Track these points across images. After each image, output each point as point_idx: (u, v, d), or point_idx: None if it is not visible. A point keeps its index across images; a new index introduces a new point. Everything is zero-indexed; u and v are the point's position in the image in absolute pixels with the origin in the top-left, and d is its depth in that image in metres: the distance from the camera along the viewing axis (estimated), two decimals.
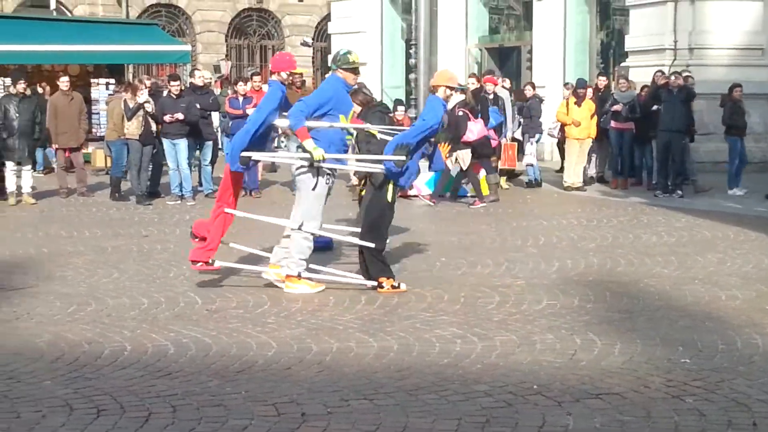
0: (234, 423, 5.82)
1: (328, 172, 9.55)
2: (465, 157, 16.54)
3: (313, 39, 39.34)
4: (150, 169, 17.97)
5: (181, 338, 7.79)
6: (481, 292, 9.51)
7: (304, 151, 9.49)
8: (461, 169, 16.76)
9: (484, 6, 29.20)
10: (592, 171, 20.08)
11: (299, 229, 9.53)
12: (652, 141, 18.64)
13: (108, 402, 6.20)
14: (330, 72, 10.06)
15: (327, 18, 35.27)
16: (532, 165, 19.66)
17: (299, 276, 9.51)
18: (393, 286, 9.50)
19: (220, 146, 20.16)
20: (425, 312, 8.71)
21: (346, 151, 9.98)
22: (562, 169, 19.71)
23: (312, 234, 9.58)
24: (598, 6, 25.92)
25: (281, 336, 7.85)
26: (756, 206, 16.17)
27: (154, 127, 16.96)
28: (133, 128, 16.79)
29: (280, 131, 14.74)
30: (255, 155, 9.77)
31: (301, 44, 38.56)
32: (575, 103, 18.60)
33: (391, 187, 9.65)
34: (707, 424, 5.80)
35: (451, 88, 10.06)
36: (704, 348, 7.46)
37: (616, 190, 18.77)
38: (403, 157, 9.38)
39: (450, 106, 15.94)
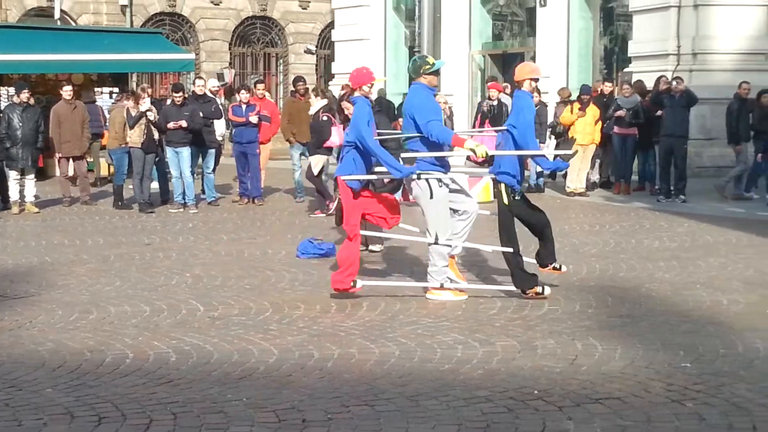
0: (235, 430, 5.83)
1: (437, 178, 9.41)
2: (318, 162, 16.01)
3: (316, 46, 39.35)
4: (156, 177, 18.07)
5: (182, 346, 7.80)
6: (482, 297, 9.52)
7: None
8: (314, 174, 16.25)
9: (487, 12, 29.23)
10: (596, 176, 20.08)
11: (435, 243, 9.43)
12: (654, 146, 18.65)
13: (109, 409, 6.20)
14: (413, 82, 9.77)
15: (331, 25, 35.26)
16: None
17: (442, 286, 9.45)
18: (537, 293, 9.52)
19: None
20: (427, 318, 8.72)
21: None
22: (565, 175, 19.70)
23: (448, 242, 9.49)
24: (601, 12, 25.95)
25: (283, 343, 7.86)
26: (758, 211, 16.16)
27: (156, 135, 16.98)
28: (135, 136, 16.82)
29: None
30: (361, 177, 9.55)
31: (305, 52, 38.61)
32: (580, 109, 18.61)
33: (503, 189, 9.70)
34: (707, 428, 5.80)
35: (535, 80, 9.93)
36: (705, 352, 7.46)
37: (619, 195, 18.78)
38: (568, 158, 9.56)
39: (313, 111, 15.91)
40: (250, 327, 8.44)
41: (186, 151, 17.05)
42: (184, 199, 17.15)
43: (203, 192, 18.08)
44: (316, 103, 16.24)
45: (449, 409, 6.18)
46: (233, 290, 10.09)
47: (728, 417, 5.98)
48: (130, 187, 17.73)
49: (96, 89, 23.58)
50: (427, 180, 9.35)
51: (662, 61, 21.99)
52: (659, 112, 18.05)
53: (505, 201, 9.73)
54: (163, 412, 6.14)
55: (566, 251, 12.40)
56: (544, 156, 10.45)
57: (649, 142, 18.84)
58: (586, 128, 18.64)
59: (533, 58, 26.42)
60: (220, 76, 33.28)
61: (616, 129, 19.12)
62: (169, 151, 17.09)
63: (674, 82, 18.09)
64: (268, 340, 7.96)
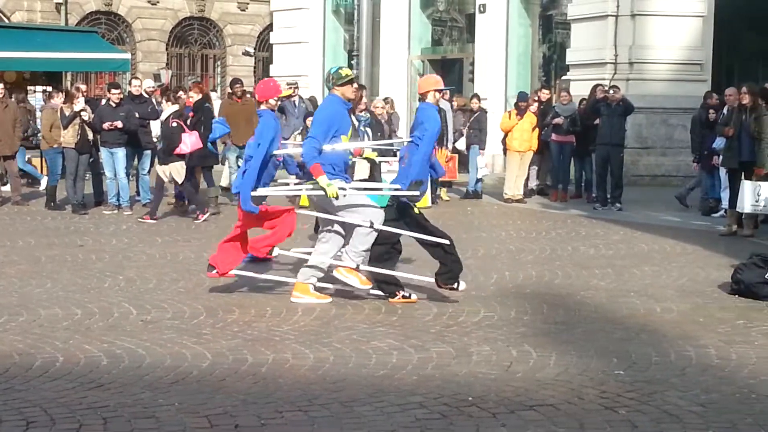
0: None
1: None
2: (180, 170, 15.79)
3: (255, 49, 39.19)
4: (88, 178, 17.84)
5: (114, 349, 7.69)
6: (418, 303, 9.49)
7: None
8: (175, 182, 16.21)
9: (426, 18, 29.29)
10: (533, 183, 20.21)
11: (371, 226, 9.29)
12: (591, 154, 18.80)
13: (38, 414, 6.09)
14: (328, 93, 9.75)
15: (269, 28, 35.11)
16: (487, 175, 19.87)
17: (358, 268, 9.35)
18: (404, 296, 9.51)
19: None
20: (362, 323, 8.68)
21: (347, 170, 9.84)
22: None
23: (378, 230, 9.39)
24: (540, 19, 26.13)
25: (217, 347, 7.78)
26: (693, 220, 16.35)
27: (91, 135, 16.76)
28: (69, 137, 16.59)
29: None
30: (265, 191, 9.55)
31: (243, 54, 38.41)
32: (517, 115, 18.73)
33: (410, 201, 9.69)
34: None
35: (439, 91, 10.01)
36: (638, 360, 7.51)
37: (556, 202, 18.91)
38: (417, 193, 9.61)
39: (163, 117, 15.82)
40: (183, 331, 8.34)
41: (121, 152, 16.87)
42: (118, 200, 16.95)
43: (138, 194, 17.88)
44: (167, 109, 15.91)
45: (383, 415, 6.15)
46: (167, 293, 9.98)
47: (660, 424, 6.02)
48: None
49: (29, 88, 23.27)
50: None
51: (599, 70, 22.19)
52: (596, 121, 18.19)
53: (415, 210, 9.70)
54: (93, 417, 6.04)
55: (503, 257, 12.46)
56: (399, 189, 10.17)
57: (586, 150, 18.99)
58: (524, 135, 18.74)
59: (472, 64, 26.57)
60: (156, 77, 32.98)
61: (553, 136, 19.26)
62: (104, 152, 16.90)
63: (611, 91, 18.25)
64: (202, 344, 7.87)
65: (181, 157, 15.75)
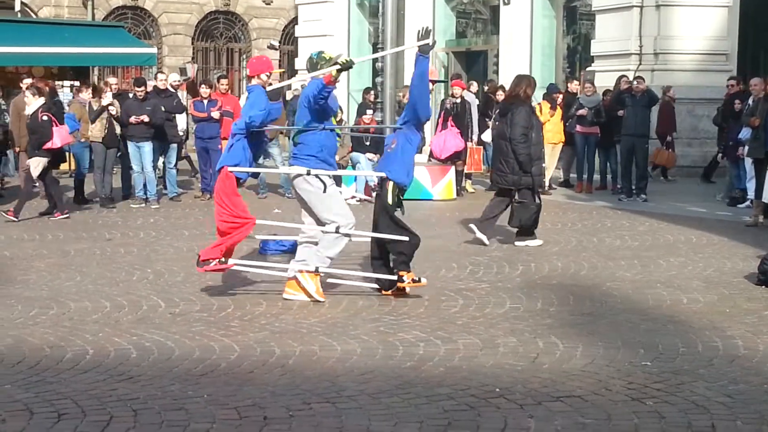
0: (195, 427, 5.80)
1: (326, 178, 9.32)
2: (38, 164, 15.30)
3: (280, 42, 39.28)
4: (116, 172, 17.98)
5: (143, 342, 7.75)
6: (444, 295, 9.52)
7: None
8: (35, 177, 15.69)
9: (451, 10, 29.28)
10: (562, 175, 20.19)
11: (336, 231, 9.24)
12: (616, 145, 18.77)
13: (69, 406, 6.15)
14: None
15: (294, 21, 35.20)
16: None
17: (317, 271, 9.27)
18: (414, 280, 9.42)
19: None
20: (389, 315, 8.71)
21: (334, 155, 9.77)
22: None
23: (348, 236, 9.36)
24: (564, 11, 26.07)
25: (244, 339, 7.84)
26: (718, 210, 16.30)
27: (118, 129, 16.86)
28: (96, 131, 16.70)
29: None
30: (242, 170, 9.46)
31: (268, 47, 38.49)
32: (550, 108, 18.66)
33: (390, 188, 9.57)
34: (667, 426, 5.84)
35: (433, 82, 10.08)
36: (665, 351, 7.51)
37: (581, 194, 18.88)
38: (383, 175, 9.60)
39: (31, 110, 15.51)
40: (211, 323, 8.40)
41: (148, 146, 16.96)
42: (145, 194, 17.05)
43: (165, 187, 17.99)
44: (34, 103, 15.52)
45: (411, 406, 6.18)
46: (195, 286, 10.04)
47: (687, 415, 6.03)
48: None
49: (57, 83, 23.38)
50: (318, 176, 9.26)
51: (624, 61, 22.14)
52: (620, 112, 18.16)
53: (390, 200, 9.57)
54: (123, 409, 6.09)
55: (528, 249, 12.45)
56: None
57: (610, 141, 18.96)
58: (556, 126, 18.70)
59: (497, 56, 26.55)
60: (182, 71, 33.12)
61: (578, 128, 19.23)
62: (130, 146, 16.98)
63: (635, 82, 18.21)
64: (230, 336, 7.93)
65: (50, 151, 15.39)
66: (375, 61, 23.20)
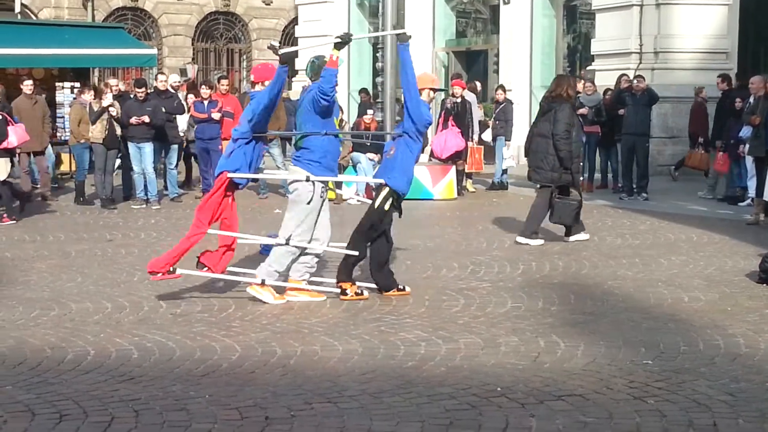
0: (197, 427, 5.80)
1: (323, 185, 9.34)
2: (2, 167, 15.25)
3: (280, 43, 39.28)
4: (119, 173, 18.00)
5: (144, 342, 7.76)
6: (446, 294, 9.52)
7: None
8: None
9: (450, 10, 29.28)
10: None
11: (287, 243, 9.26)
12: (616, 144, 18.76)
13: (70, 407, 6.16)
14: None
15: (294, 21, 35.20)
16: (512, 166, 19.85)
17: (263, 283, 9.29)
18: (356, 293, 9.42)
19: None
20: (390, 315, 8.72)
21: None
22: None
23: (298, 248, 9.31)
24: (564, 10, 26.05)
25: (246, 340, 7.84)
26: (719, 209, 16.30)
27: (118, 130, 16.87)
28: (97, 132, 16.70)
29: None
30: (242, 176, 9.45)
31: (268, 48, 38.40)
32: None
33: (385, 194, 9.58)
34: (668, 424, 5.84)
35: (434, 90, 10.12)
36: (666, 349, 7.51)
37: (582, 192, 18.83)
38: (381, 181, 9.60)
39: None
40: (212, 324, 8.40)
41: (148, 147, 16.96)
42: (146, 195, 17.06)
43: (165, 188, 17.99)
44: None
45: (412, 406, 6.18)
46: (196, 287, 10.03)
47: (689, 413, 6.03)
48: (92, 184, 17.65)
49: (57, 84, 23.38)
50: (314, 184, 9.25)
51: (624, 60, 22.12)
52: (621, 111, 18.16)
53: (385, 206, 9.58)
54: (124, 410, 6.10)
55: (529, 249, 12.45)
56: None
57: (611, 140, 18.96)
58: None
59: (497, 56, 26.55)
60: (183, 72, 33.15)
61: None
62: (131, 147, 16.98)
63: (635, 81, 18.21)
64: (231, 337, 7.93)
65: (8, 152, 15.34)
66: (375, 61, 23.22)
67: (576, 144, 12.78)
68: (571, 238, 12.86)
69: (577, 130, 12.81)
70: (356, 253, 9.57)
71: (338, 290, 9.46)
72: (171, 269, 9.14)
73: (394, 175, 9.57)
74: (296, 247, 9.29)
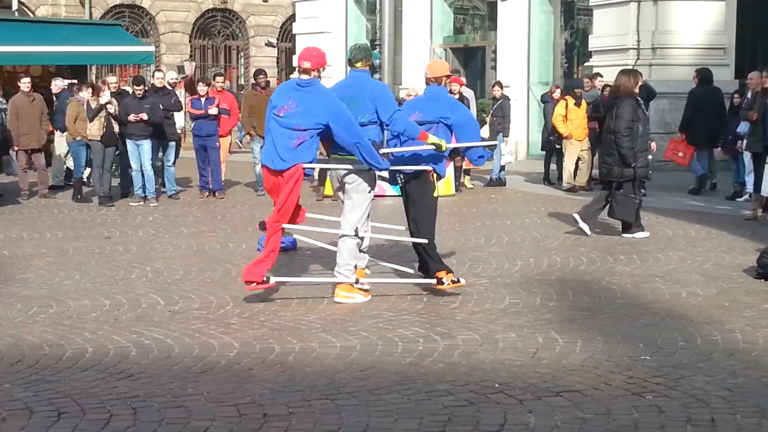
0: (195, 424, 5.80)
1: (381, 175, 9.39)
2: None
3: (277, 39, 39.24)
4: (117, 171, 17.99)
5: (143, 340, 7.75)
6: (443, 291, 9.51)
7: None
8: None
9: (448, 6, 29.27)
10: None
11: (356, 235, 9.22)
12: None
13: (68, 404, 6.16)
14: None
15: (292, 18, 35.17)
16: (510, 163, 19.83)
17: (357, 281, 9.21)
18: (453, 281, 9.42)
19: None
20: (388, 311, 8.72)
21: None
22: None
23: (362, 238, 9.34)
24: (562, 6, 26.04)
25: (244, 337, 7.84)
26: (717, 204, 16.30)
27: (116, 128, 16.85)
28: (94, 129, 16.69)
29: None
30: (314, 165, 9.36)
31: (266, 45, 38.46)
32: (575, 104, 18.52)
33: (435, 181, 9.68)
34: (666, 420, 5.84)
35: (448, 77, 10.20)
36: (664, 345, 7.52)
37: (581, 189, 18.84)
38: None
39: None
40: (210, 321, 8.40)
41: (147, 144, 16.95)
42: (144, 192, 17.05)
43: (163, 185, 17.99)
44: None
45: (410, 402, 6.19)
46: (194, 284, 10.05)
47: (687, 409, 6.03)
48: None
49: (54, 81, 23.33)
50: (374, 176, 9.29)
51: (622, 55, 22.11)
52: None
53: (436, 192, 9.74)
54: (123, 407, 6.10)
55: (527, 244, 12.46)
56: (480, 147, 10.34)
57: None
58: (582, 123, 18.55)
59: (494, 52, 26.54)
60: (180, 69, 33.12)
61: None
62: (129, 144, 16.96)
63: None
64: (229, 333, 7.93)
65: None
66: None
67: (642, 138, 12.75)
68: (629, 235, 12.85)
69: (643, 124, 12.79)
70: (425, 240, 9.63)
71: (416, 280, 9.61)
72: (265, 278, 9.03)
73: (440, 162, 9.69)
74: (362, 237, 9.32)
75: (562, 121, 18.39)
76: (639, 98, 13.01)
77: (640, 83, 12.97)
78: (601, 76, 21.06)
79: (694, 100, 17.93)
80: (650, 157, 13.29)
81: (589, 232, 12.90)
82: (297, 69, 9.63)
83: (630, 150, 12.63)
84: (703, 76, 18.21)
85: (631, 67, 14.60)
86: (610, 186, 13.04)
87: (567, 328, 8.08)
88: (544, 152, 20.22)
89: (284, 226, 9.17)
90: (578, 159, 18.76)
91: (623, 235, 12.92)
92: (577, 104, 18.50)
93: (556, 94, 19.43)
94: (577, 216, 13.11)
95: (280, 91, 9.32)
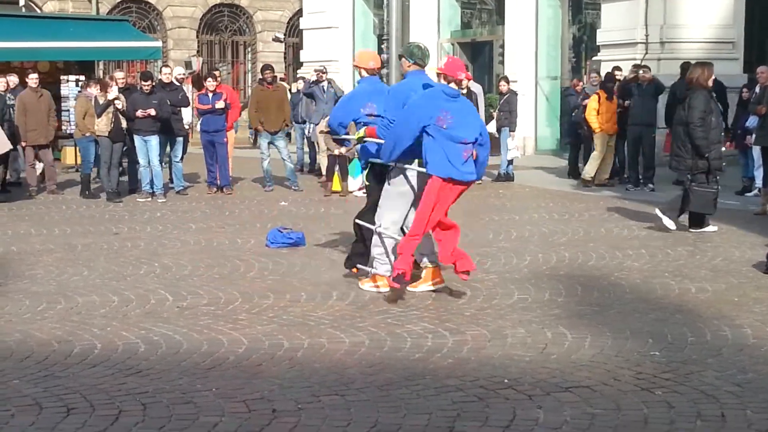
0: (204, 420, 5.80)
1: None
2: None
3: (285, 34, 39.21)
4: (125, 166, 18.01)
5: (151, 336, 7.76)
6: (452, 286, 9.49)
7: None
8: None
9: (455, 1, 29.22)
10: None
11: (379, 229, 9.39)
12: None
13: (78, 400, 6.16)
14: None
15: (299, 13, 35.15)
16: (517, 157, 19.81)
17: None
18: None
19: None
20: (396, 307, 8.70)
21: None
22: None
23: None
24: (569, 0, 25.98)
25: (252, 332, 7.83)
26: (725, 200, 16.24)
27: (124, 123, 16.86)
28: (102, 125, 16.70)
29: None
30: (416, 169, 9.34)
31: (273, 40, 38.43)
32: (606, 98, 18.41)
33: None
34: (676, 415, 5.83)
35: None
36: (674, 340, 7.50)
37: (597, 184, 18.81)
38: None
39: None
40: (219, 317, 8.40)
41: (154, 140, 16.95)
42: (152, 188, 17.05)
43: (171, 181, 17.99)
44: None
45: (419, 398, 6.18)
46: (202, 280, 10.04)
47: (697, 405, 6.02)
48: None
49: (62, 77, 23.38)
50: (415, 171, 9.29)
51: (630, 50, 22.05)
52: (626, 102, 18.10)
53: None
54: (132, 403, 6.10)
55: (536, 240, 12.45)
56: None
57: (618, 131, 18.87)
58: (613, 116, 18.45)
59: (502, 46, 26.50)
60: (187, 64, 33.11)
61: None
62: (137, 140, 16.97)
63: (641, 71, 18.14)
64: (238, 329, 7.93)
65: None
66: (380, 52, 23.19)
67: (715, 130, 12.67)
68: (696, 230, 12.79)
69: (716, 115, 12.72)
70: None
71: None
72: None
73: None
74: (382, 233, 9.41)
75: (596, 115, 18.28)
76: (712, 91, 12.94)
77: (713, 76, 12.92)
78: (596, 69, 21.05)
79: (673, 93, 17.88)
80: (723, 149, 13.26)
81: (673, 227, 12.83)
82: (441, 76, 9.43)
83: (704, 141, 12.49)
84: (684, 70, 18.23)
85: (705, 60, 14.40)
86: (683, 180, 12.98)
87: (576, 323, 8.06)
88: (554, 147, 20.20)
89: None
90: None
91: (691, 230, 12.80)
92: (609, 99, 18.40)
93: (579, 87, 19.39)
94: (658, 211, 13.08)
95: (431, 101, 9.00)
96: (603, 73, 19.88)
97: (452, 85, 9.27)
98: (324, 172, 18.40)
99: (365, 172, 9.57)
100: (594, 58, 23.53)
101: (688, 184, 12.84)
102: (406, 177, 9.32)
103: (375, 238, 9.44)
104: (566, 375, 6.62)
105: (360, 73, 9.81)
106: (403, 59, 9.55)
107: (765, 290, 9.35)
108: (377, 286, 9.29)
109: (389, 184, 9.39)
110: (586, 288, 9.49)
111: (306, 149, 22.16)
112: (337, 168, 17.55)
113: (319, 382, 6.49)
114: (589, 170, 18.52)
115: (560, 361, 6.99)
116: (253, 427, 5.70)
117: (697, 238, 12.43)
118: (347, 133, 9.88)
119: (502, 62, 26.41)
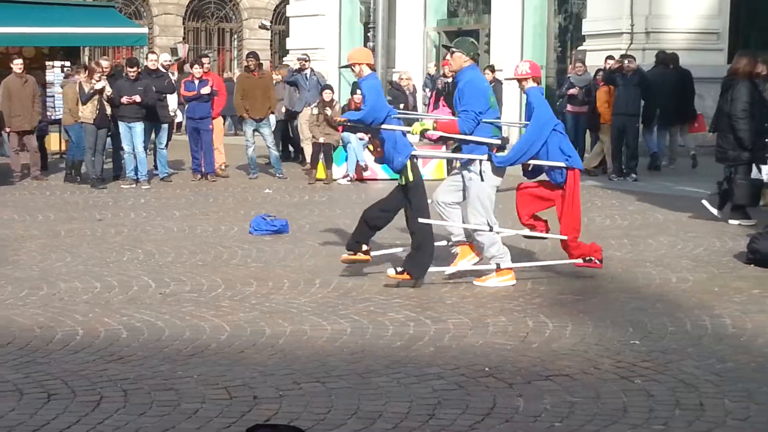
0: (185, 406, 5.82)
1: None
2: None
3: (271, 22, 39.16)
4: (110, 152, 17.97)
5: (133, 322, 7.76)
6: (434, 275, 9.52)
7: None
8: None
9: None
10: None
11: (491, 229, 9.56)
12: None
13: (59, 386, 6.17)
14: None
15: (285, 1, 35.09)
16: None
17: (499, 267, 9.29)
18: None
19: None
20: (379, 295, 8.73)
21: None
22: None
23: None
24: None
25: (235, 319, 7.85)
26: (709, 190, 16.28)
27: (109, 110, 16.81)
28: (87, 112, 16.66)
29: None
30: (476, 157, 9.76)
31: (259, 27, 38.41)
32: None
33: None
34: (655, 404, 5.87)
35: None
36: (654, 330, 7.55)
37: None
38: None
39: None
40: (201, 303, 8.41)
41: (139, 127, 16.92)
42: (136, 174, 17.02)
43: (155, 168, 17.96)
44: None
45: (400, 386, 6.21)
46: (185, 266, 10.05)
47: (676, 393, 6.06)
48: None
49: (47, 63, 23.26)
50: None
51: (616, 40, 22.08)
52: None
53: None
54: (113, 389, 6.11)
55: (518, 228, 12.42)
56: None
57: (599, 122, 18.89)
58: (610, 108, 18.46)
59: (488, 35, 26.49)
60: (173, 51, 33.04)
61: (569, 107, 19.21)
62: (122, 126, 16.93)
63: (626, 61, 18.16)
64: (220, 316, 7.94)
65: None
66: (366, 40, 23.16)
67: (756, 120, 12.55)
68: (734, 222, 12.70)
69: (759, 106, 12.64)
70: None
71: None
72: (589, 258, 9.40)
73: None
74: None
75: (606, 107, 18.25)
76: (756, 82, 12.89)
77: (761, 70, 12.91)
78: (581, 59, 21.04)
79: (642, 81, 17.94)
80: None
81: (718, 214, 12.87)
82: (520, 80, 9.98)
83: (747, 132, 12.41)
84: (658, 59, 19.05)
85: (748, 50, 14.29)
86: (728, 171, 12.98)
87: (557, 312, 8.10)
88: None
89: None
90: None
91: (730, 221, 12.73)
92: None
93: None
94: (705, 202, 13.10)
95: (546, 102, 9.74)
96: (595, 65, 19.87)
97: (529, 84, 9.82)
98: (308, 159, 18.42)
99: (408, 165, 9.46)
100: (579, 48, 23.55)
101: (732, 175, 12.80)
102: (499, 172, 9.79)
103: (488, 238, 9.45)
104: (547, 363, 6.66)
105: (361, 70, 9.72)
106: (457, 53, 9.48)
107: (745, 280, 9.40)
108: (504, 280, 9.26)
109: (483, 179, 9.55)
110: (567, 277, 9.53)
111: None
112: (321, 156, 17.57)
113: (301, 369, 6.51)
114: (593, 160, 18.52)
115: (541, 349, 7.02)
116: (234, 413, 5.72)
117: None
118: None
119: (488, 51, 26.39)
